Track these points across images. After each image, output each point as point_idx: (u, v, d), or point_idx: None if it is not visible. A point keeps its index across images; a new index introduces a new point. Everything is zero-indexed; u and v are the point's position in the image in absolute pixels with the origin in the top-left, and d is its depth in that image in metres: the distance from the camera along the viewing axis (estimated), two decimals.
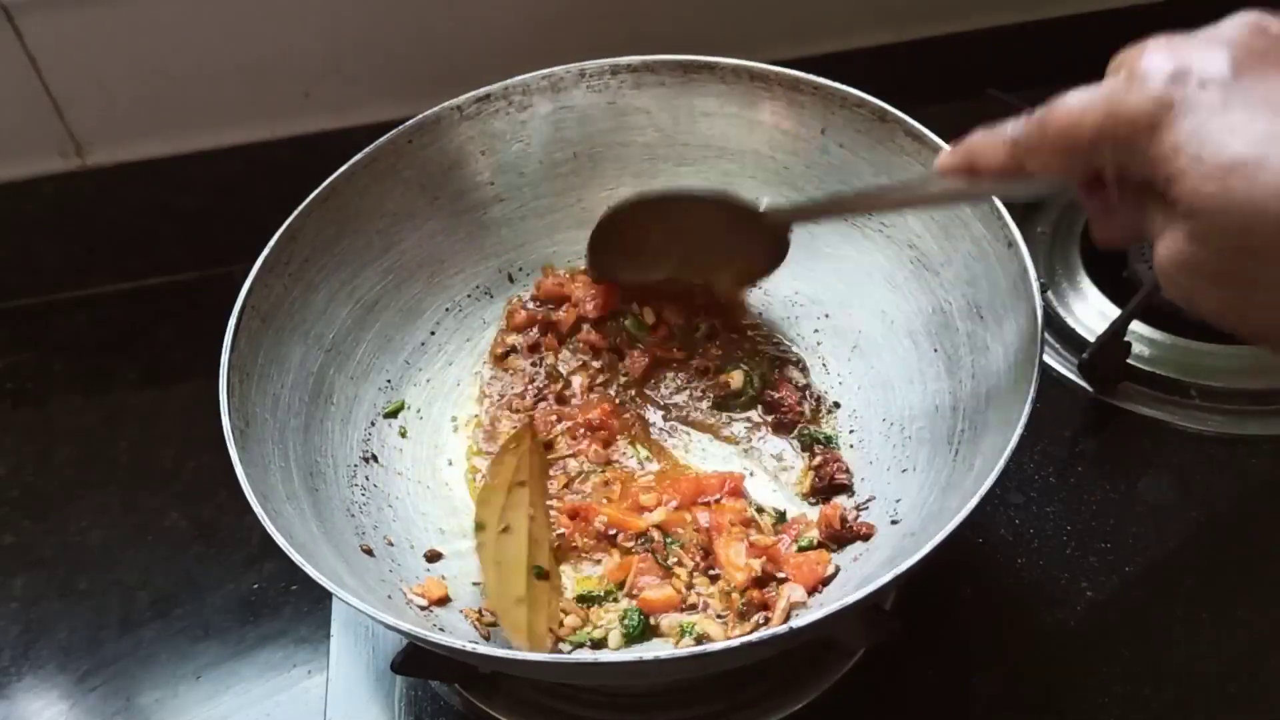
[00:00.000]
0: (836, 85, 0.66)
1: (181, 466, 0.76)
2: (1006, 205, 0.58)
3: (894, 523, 0.59)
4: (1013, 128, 0.43)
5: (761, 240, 0.64)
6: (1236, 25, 0.38)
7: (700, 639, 0.57)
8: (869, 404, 0.66)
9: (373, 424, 0.66)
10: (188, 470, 0.75)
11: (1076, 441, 0.71)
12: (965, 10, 0.92)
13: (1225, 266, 0.36)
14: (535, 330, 0.71)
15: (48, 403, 0.82)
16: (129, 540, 0.72)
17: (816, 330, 0.70)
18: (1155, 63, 0.37)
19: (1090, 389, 0.72)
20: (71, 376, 0.84)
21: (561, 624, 0.59)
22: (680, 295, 0.71)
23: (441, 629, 0.56)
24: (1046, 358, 0.72)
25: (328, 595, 0.55)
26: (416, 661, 0.57)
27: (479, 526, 0.61)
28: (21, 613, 0.69)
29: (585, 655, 0.57)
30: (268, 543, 0.49)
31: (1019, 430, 0.50)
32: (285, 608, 0.67)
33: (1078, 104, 0.39)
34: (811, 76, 0.67)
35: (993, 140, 0.44)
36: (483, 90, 0.70)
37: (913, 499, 0.59)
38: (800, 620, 0.45)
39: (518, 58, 0.73)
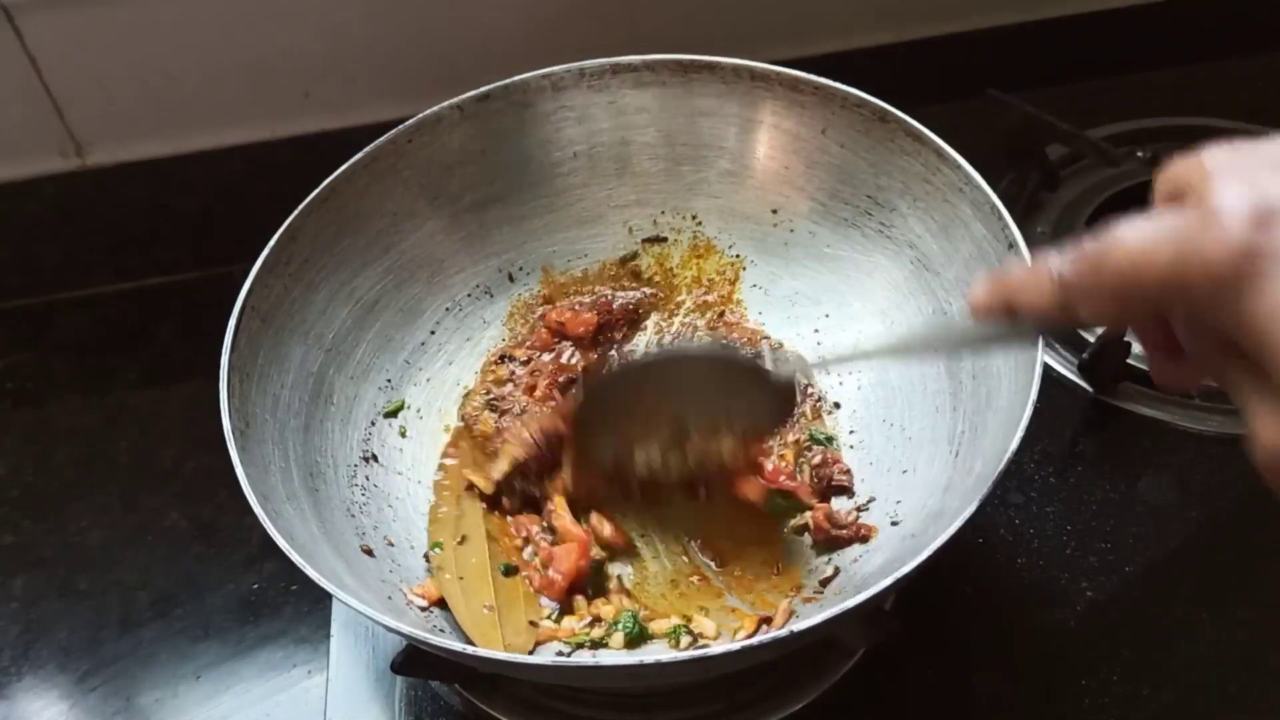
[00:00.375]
0: (837, 85, 0.66)
1: (181, 466, 0.76)
2: (1007, 204, 0.59)
3: (894, 524, 0.59)
4: (1060, 265, 0.35)
5: (766, 397, 0.57)
6: None
7: (697, 638, 0.57)
8: (869, 404, 0.66)
9: (373, 424, 0.66)
10: (188, 470, 0.75)
11: (1076, 441, 0.71)
12: (965, 10, 0.92)
13: None
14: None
15: (48, 403, 0.82)
16: (129, 540, 0.72)
17: (817, 330, 0.70)
18: (1232, 198, 0.30)
19: (1090, 389, 0.72)
20: (71, 376, 0.83)
21: (552, 616, 0.59)
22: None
23: (442, 630, 0.56)
24: (1046, 358, 0.72)
25: (328, 595, 0.55)
26: (416, 662, 0.57)
27: (433, 547, 0.61)
28: (21, 613, 0.69)
29: (585, 659, 0.57)
30: (268, 543, 0.49)
31: (1020, 431, 0.50)
32: (285, 608, 0.67)
33: (1139, 243, 0.32)
34: (812, 76, 0.67)
35: (1036, 280, 0.36)
36: (483, 90, 0.70)
37: (913, 500, 0.59)
38: (801, 624, 0.45)
39: (518, 58, 0.73)
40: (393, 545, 0.61)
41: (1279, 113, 0.85)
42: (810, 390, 0.68)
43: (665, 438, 0.59)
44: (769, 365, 0.55)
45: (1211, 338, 0.34)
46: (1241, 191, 0.31)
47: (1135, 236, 0.33)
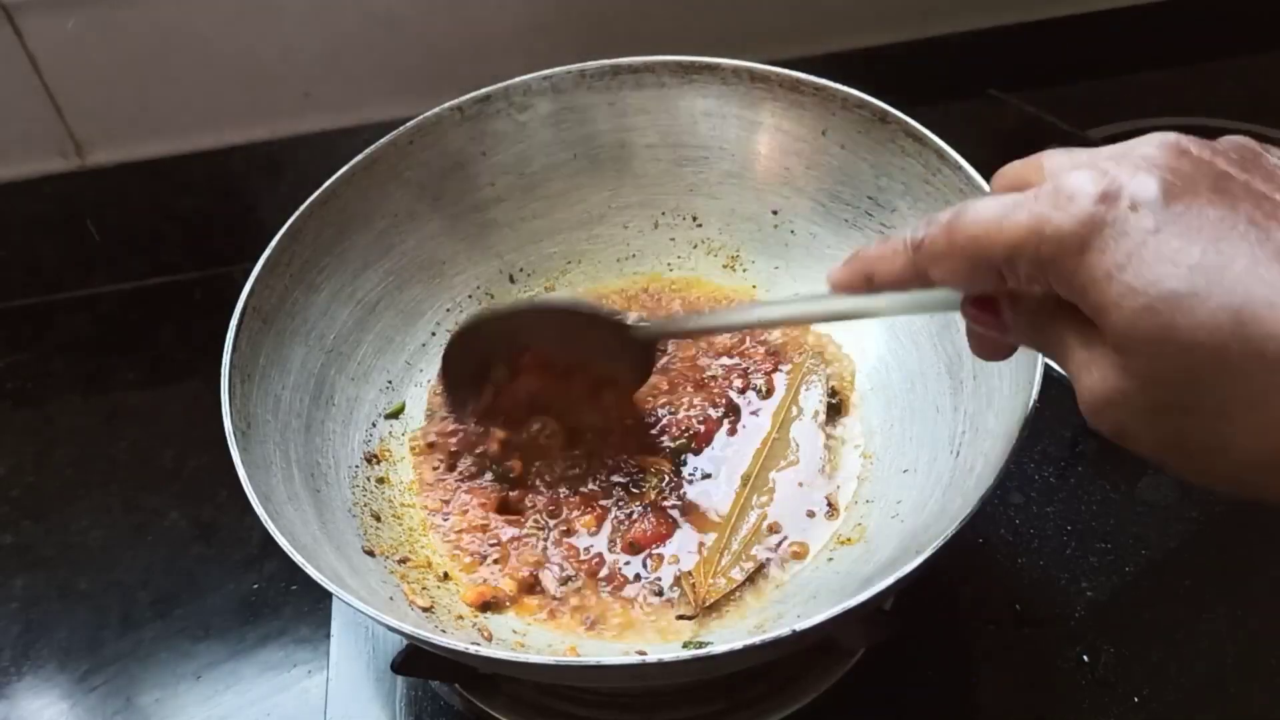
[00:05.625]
0: (837, 86, 0.66)
1: (181, 466, 0.76)
2: None
3: (894, 520, 0.59)
4: (914, 233, 0.39)
5: (627, 355, 0.61)
6: (1157, 146, 0.35)
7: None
8: (870, 404, 0.66)
9: (374, 425, 0.66)
10: (188, 470, 0.75)
11: (1076, 441, 0.71)
12: (965, 10, 0.92)
13: (1161, 399, 0.34)
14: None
15: (48, 403, 0.82)
16: (129, 540, 0.72)
17: (817, 330, 0.70)
18: (1082, 180, 0.34)
19: None
20: (71, 376, 0.83)
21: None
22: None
23: (443, 630, 0.56)
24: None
25: (328, 595, 0.55)
26: (417, 662, 0.57)
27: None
28: (21, 613, 0.69)
29: (587, 658, 0.57)
30: (268, 543, 0.49)
31: (1020, 431, 0.50)
32: (285, 608, 0.67)
33: (993, 212, 0.36)
34: (812, 77, 0.67)
35: (890, 248, 0.40)
36: (483, 91, 0.70)
37: (914, 500, 0.59)
38: (801, 623, 0.45)
39: (518, 58, 0.73)
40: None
41: (1279, 113, 0.85)
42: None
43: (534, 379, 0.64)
44: (630, 323, 0.59)
45: (1040, 302, 0.37)
46: (1089, 174, 0.35)
47: (989, 207, 0.37)
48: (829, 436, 0.65)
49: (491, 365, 0.64)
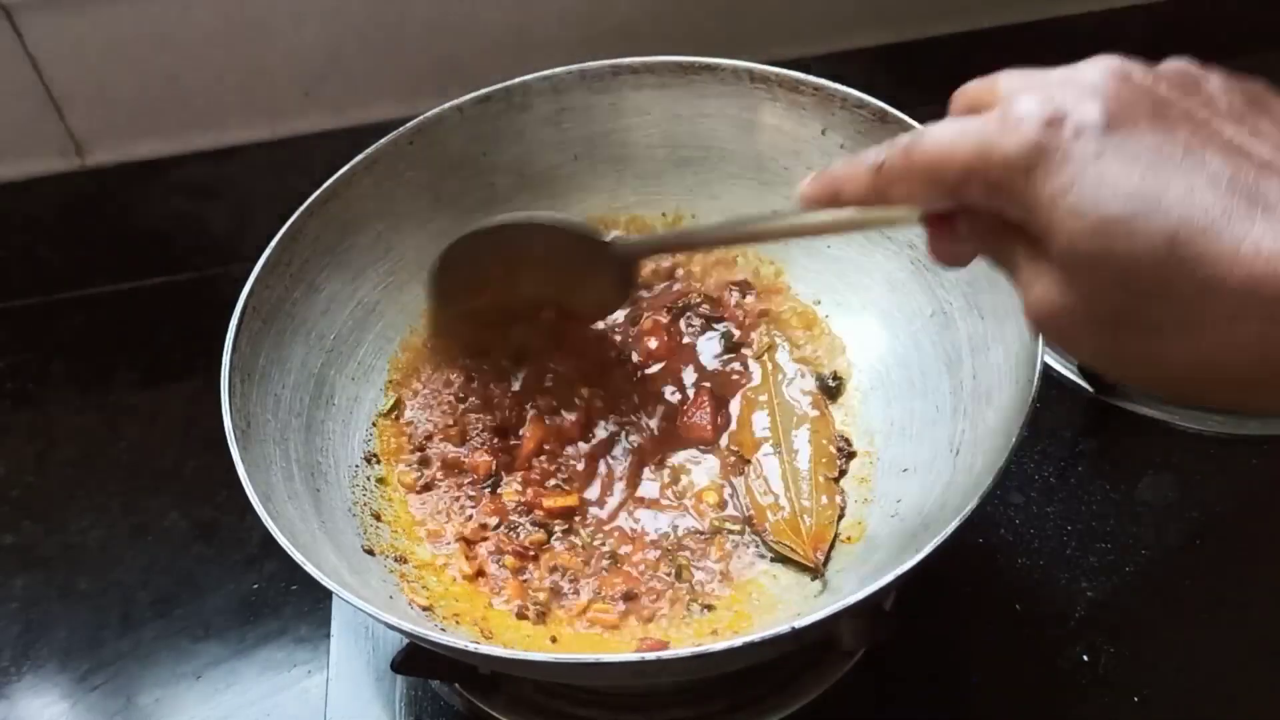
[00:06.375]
0: (837, 86, 0.66)
1: (181, 466, 0.76)
2: None
3: (894, 519, 0.59)
4: (875, 154, 0.42)
5: (608, 273, 0.63)
6: (1102, 71, 0.37)
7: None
8: (869, 404, 0.66)
9: (374, 424, 0.66)
10: (188, 470, 0.75)
11: (1076, 441, 0.71)
12: (965, 10, 0.92)
13: (1100, 313, 0.36)
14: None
15: (48, 403, 0.82)
16: (129, 540, 0.72)
17: (823, 324, 0.70)
18: (1029, 106, 0.36)
19: (1090, 389, 0.72)
20: (71, 376, 0.83)
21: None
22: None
23: (443, 629, 0.56)
24: (1047, 358, 0.72)
25: (328, 595, 0.55)
26: (417, 661, 0.57)
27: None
28: (21, 613, 0.69)
29: (586, 655, 0.57)
30: (268, 543, 0.49)
31: (1020, 430, 0.50)
32: (285, 608, 0.67)
33: (946, 137, 0.38)
34: (812, 77, 0.67)
35: (855, 168, 0.43)
36: (483, 91, 0.70)
37: (913, 499, 0.59)
38: (801, 622, 0.45)
39: (518, 58, 0.73)
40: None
41: None
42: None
43: (515, 296, 0.67)
44: (609, 239, 0.61)
45: (993, 219, 0.39)
46: (1038, 100, 0.36)
47: (943, 131, 0.39)
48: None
49: (479, 284, 0.67)
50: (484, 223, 0.65)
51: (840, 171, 0.44)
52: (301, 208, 0.64)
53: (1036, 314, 0.38)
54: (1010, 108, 0.37)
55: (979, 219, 0.40)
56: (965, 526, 0.47)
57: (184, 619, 0.68)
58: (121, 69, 0.82)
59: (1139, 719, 0.58)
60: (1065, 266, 0.36)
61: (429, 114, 0.69)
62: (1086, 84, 0.36)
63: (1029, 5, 0.93)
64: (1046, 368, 0.73)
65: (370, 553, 0.59)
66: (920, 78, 0.91)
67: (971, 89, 0.41)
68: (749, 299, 0.71)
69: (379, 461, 0.65)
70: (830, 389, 0.67)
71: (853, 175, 0.43)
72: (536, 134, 0.71)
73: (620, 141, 0.72)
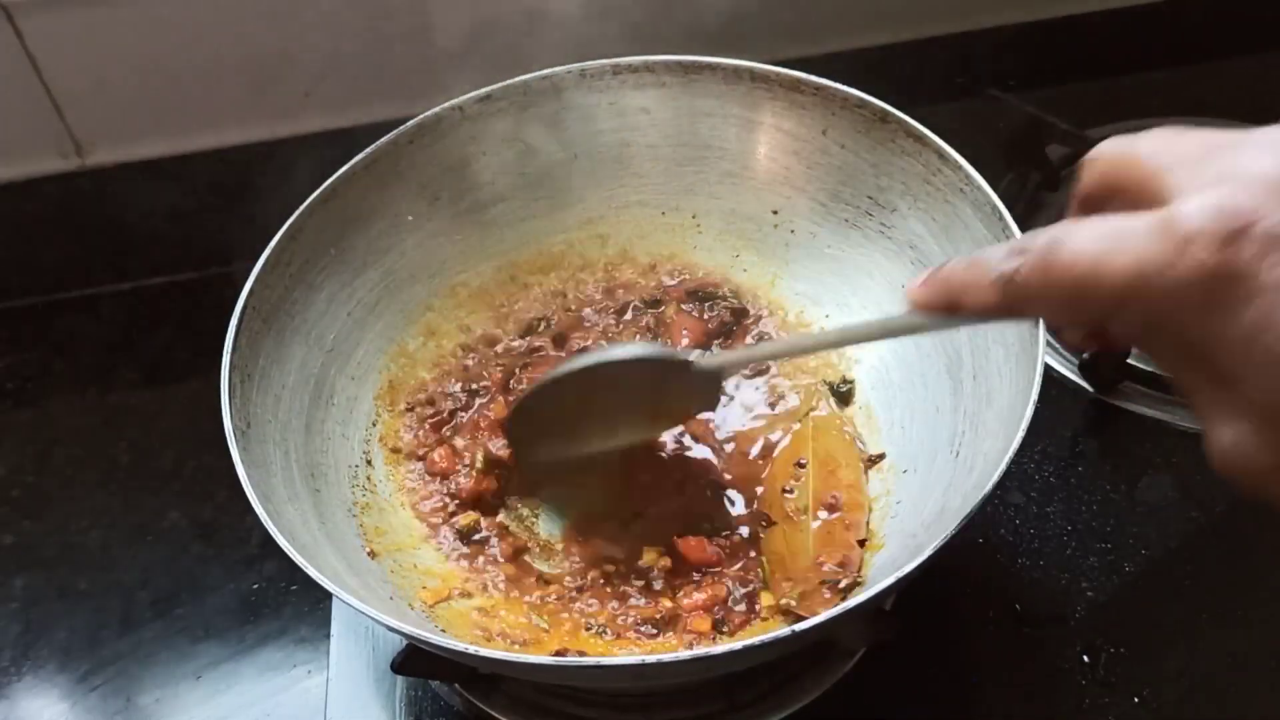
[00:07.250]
0: (838, 86, 0.66)
1: (181, 466, 0.76)
2: (1007, 204, 0.59)
3: (894, 519, 0.59)
4: (1004, 263, 0.33)
5: (694, 390, 0.58)
6: None
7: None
8: (870, 404, 0.66)
9: (374, 424, 0.66)
10: (188, 470, 0.75)
11: (1076, 441, 0.71)
12: (965, 10, 0.93)
13: None
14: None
15: (48, 403, 0.82)
16: (129, 540, 0.72)
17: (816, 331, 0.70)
18: (1199, 215, 0.28)
19: (1090, 389, 0.72)
20: (71, 376, 0.83)
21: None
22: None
23: (443, 630, 0.56)
24: (1047, 358, 0.71)
25: (328, 595, 0.55)
26: (417, 661, 0.57)
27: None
28: (21, 613, 0.69)
29: (586, 658, 0.57)
30: (268, 543, 0.49)
31: (1020, 431, 0.50)
32: (285, 608, 0.67)
33: (1093, 249, 0.30)
34: (812, 77, 0.67)
35: (979, 277, 0.35)
36: (483, 91, 0.70)
37: (914, 500, 0.59)
38: (801, 624, 0.45)
39: (518, 58, 0.73)
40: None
41: (1279, 113, 0.85)
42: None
43: (600, 435, 0.62)
44: (692, 359, 0.57)
45: (1167, 340, 0.32)
46: (1209, 204, 0.28)
47: (1089, 240, 0.31)
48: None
49: (561, 428, 0.61)
50: (559, 369, 0.59)
51: (959, 277, 0.36)
52: (301, 207, 0.64)
53: (1227, 467, 0.31)
54: (1175, 216, 0.29)
55: (1153, 335, 0.32)
56: (965, 526, 0.47)
57: (184, 619, 0.68)
58: (121, 69, 0.82)
59: (1139, 719, 0.58)
60: (1268, 419, 0.29)
61: (429, 113, 0.69)
62: (1271, 174, 0.28)
63: (1029, 5, 0.93)
64: (1047, 368, 0.73)
65: (370, 554, 0.59)
66: (920, 78, 0.91)
67: (1109, 157, 0.33)
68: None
69: (379, 462, 0.65)
70: (842, 394, 0.67)
71: (975, 284, 0.35)
72: (536, 134, 0.71)
73: (621, 141, 0.72)
